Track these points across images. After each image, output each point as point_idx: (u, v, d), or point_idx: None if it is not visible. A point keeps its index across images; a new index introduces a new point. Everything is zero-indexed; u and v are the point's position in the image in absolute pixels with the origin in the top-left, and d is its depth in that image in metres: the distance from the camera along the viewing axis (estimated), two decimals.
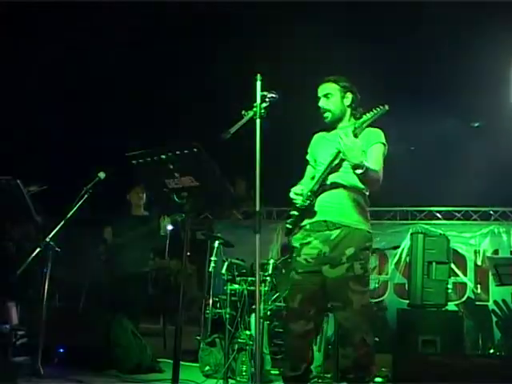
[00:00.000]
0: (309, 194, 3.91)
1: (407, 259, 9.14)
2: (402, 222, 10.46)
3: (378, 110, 3.68)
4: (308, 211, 3.94)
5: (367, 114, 3.73)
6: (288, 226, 4.02)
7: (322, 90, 4.07)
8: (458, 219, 10.31)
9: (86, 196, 5.06)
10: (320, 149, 4.16)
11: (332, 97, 4.03)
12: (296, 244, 4.03)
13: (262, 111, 3.42)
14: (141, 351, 5.80)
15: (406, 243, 9.45)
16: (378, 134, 4.02)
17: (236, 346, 5.49)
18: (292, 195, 3.93)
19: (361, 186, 3.90)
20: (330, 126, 4.12)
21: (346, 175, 3.92)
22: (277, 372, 5.57)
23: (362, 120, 3.73)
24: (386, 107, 3.67)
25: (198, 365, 5.89)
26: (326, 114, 4.03)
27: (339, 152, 3.74)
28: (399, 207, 10.72)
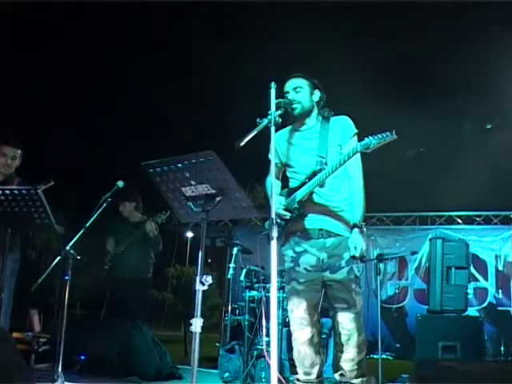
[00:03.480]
0: (297, 206, 3.94)
1: (427, 265, 9.11)
2: (421, 227, 10.42)
3: (385, 135, 3.55)
4: (297, 220, 3.97)
5: (371, 138, 3.60)
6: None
7: (292, 84, 4.05)
8: (479, 224, 10.25)
9: (104, 205, 5.12)
10: (291, 153, 4.11)
11: (302, 90, 4.03)
12: (288, 252, 4.07)
13: (277, 119, 3.44)
14: (161, 358, 5.84)
15: (425, 248, 9.41)
16: (350, 125, 4.03)
17: (255, 353, 5.50)
18: (282, 211, 3.92)
19: (345, 200, 3.99)
20: (297, 121, 4.09)
21: (332, 191, 3.98)
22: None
23: (365, 143, 3.61)
24: (395, 135, 3.53)
25: (217, 371, 5.91)
26: (295, 106, 3.96)
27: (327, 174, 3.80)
28: (418, 212, 10.69)
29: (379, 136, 3.56)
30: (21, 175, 5.40)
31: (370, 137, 3.59)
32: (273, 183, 3.44)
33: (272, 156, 3.57)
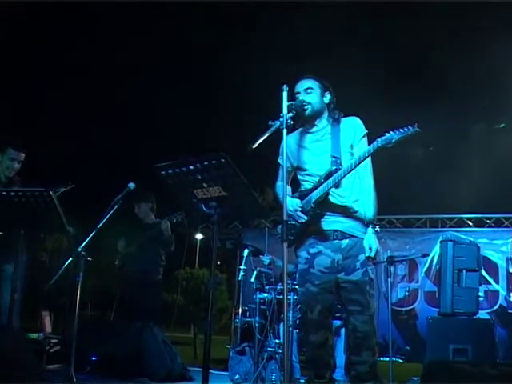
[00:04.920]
0: (313, 206, 3.93)
1: (437, 267, 9.07)
2: (431, 229, 10.38)
3: (407, 129, 3.57)
4: (312, 222, 3.96)
5: (392, 133, 3.62)
6: (291, 237, 3.97)
7: (303, 85, 4.03)
8: (489, 226, 10.19)
9: (116, 206, 5.14)
10: (303, 155, 4.10)
11: (313, 92, 4.02)
12: (303, 253, 4.05)
13: (289, 121, 3.45)
14: (171, 359, 5.85)
15: (436, 251, 9.37)
16: (360, 125, 4.04)
17: (265, 355, 5.49)
18: (299, 214, 3.92)
19: (357, 201, 3.98)
20: (307, 123, 4.08)
21: (346, 192, 3.98)
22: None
23: (386, 138, 3.63)
24: (416, 128, 3.55)
25: (227, 373, 5.91)
26: (306, 107, 3.94)
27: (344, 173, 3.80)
28: (429, 215, 10.65)
29: (401, 130, 3.58)
30: (23, 176, 5.47)
31: (392, 132, 3.61)
32: (284, 186, 3.45)
33: (284, 159, 3.56)
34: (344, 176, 3.80)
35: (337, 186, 3.89)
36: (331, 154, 3.97)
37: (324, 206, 3.93)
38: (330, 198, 3.93)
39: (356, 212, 3.97)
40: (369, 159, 3.92)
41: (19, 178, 5.48)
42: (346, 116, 4.10)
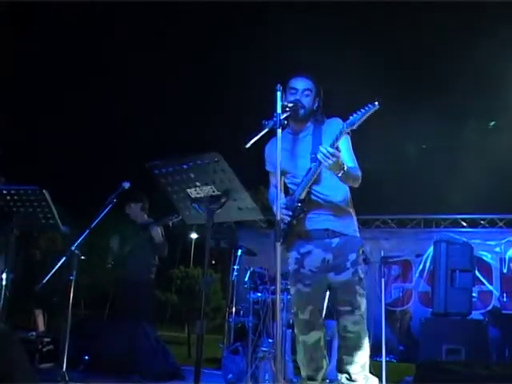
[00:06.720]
0: (298, 205, 3.89)
1: (431, 267, 9.09)
2: (426, 229, 10.40)
3: (368, 108, 3.47)
4: (300, 221, 3.91)
5: (355, 115, 3.51)
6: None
7: (303, 84, 3.94)
8: (483, 227, 10.21)
9: (110, 206, 5.13)
10: (286, 159, 3.97)
11: (310, 94, 3.94)
12: (293, 253, 4.00)
13: (283, 121, 3.43)
14: (164, 358, 5.85)
15: (429, 251, 9.39)
16: (340, 124, 3.83)
17: (259, 354, 5.50)
18: (284, 211, 3.84)
19: (346, 199, 3.94)
20: (294, 125, 3.99)
21: (332, 190, 3.92)
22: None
23: (350, 121, 3.53)
24: (377, 104, 3.45)
25: (221, 372, 5.91)
26: (300, 110, 3.86)
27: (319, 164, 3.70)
28: (423, 215, 10.67)
29: (362, 111, 3.49)
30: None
31: (354, 114, 3.52)
32: (278, 186, 3.43)
33: (278, 156, 3.53)
34: (320, 166, 3.71)
35: (319, 182, 3.85)
36: (311, 152, 3.92)
37: (310, 205, 3.89)
38: (316, 196, 3.87)
39: (344, 210, 3.95)
40: (351, 153, 3.90)
41: (3, 178, 5.48)
42: (329, 117, 4.03)
